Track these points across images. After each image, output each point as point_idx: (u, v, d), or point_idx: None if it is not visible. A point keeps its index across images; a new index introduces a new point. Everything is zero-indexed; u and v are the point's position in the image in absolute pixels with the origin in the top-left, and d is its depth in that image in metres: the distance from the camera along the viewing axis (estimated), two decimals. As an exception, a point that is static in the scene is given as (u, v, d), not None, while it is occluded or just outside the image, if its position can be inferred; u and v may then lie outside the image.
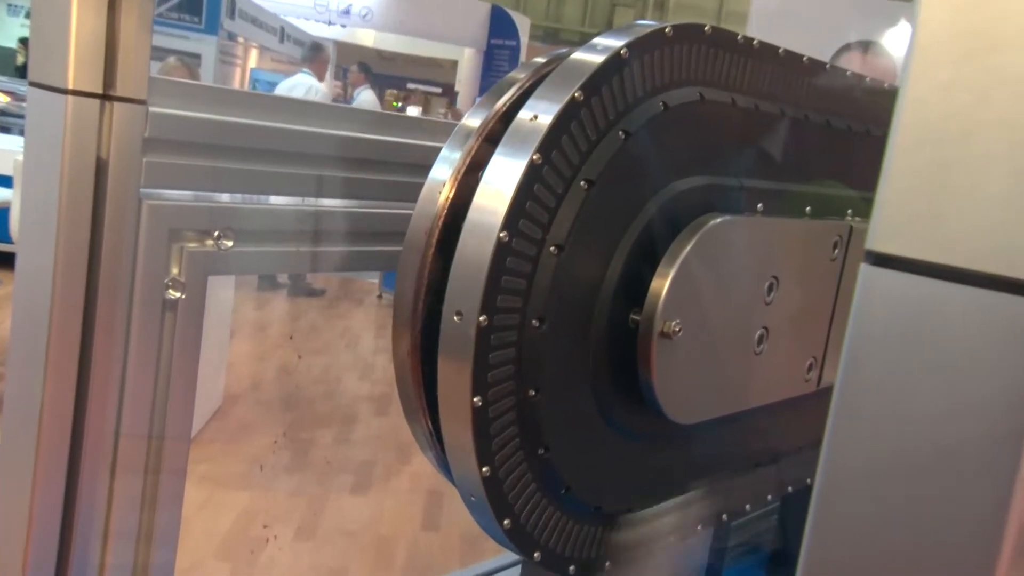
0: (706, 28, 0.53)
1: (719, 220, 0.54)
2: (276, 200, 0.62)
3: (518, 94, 0.58)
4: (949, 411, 0.28)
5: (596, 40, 0.52)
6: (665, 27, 0.51)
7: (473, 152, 0.54)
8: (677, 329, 0.51)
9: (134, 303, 0.51)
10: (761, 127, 0.59)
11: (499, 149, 0.48)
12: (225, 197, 0.59)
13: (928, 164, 0.29)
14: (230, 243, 0.57)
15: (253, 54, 6.36)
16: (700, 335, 0.54)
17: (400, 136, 0.71)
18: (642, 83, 0.50)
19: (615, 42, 0.50)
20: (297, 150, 0.62)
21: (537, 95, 0.49)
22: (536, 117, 0.47)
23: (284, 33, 6.60)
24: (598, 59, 0.49)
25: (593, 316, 0.51)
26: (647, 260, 0.52)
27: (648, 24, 0.52)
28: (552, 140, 0.47)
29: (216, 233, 0.56)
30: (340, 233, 0.66)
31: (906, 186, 0.29)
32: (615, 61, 0.49)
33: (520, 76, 0.61)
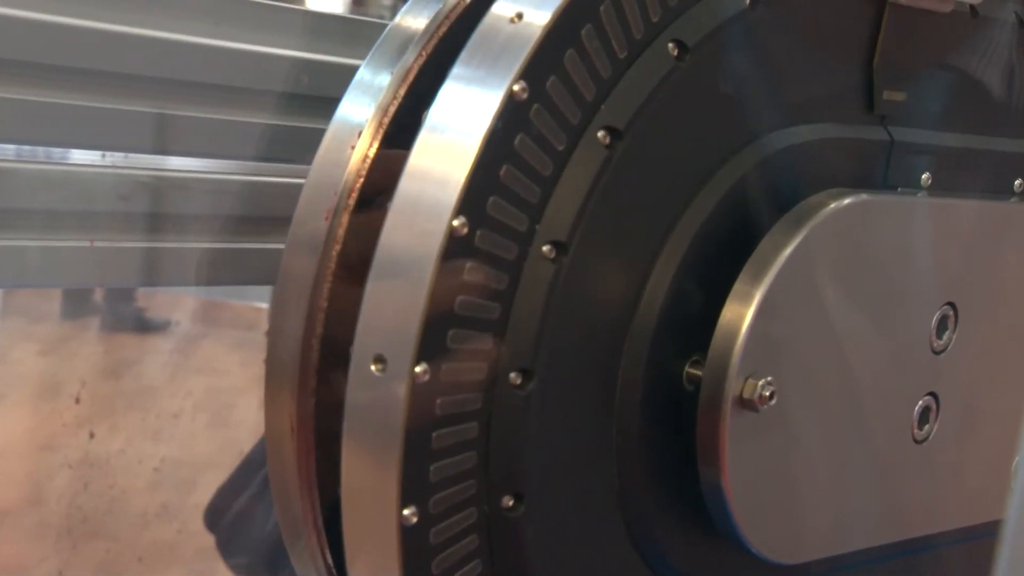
0: None
1: (848, 201, 0.56)
2: (58, 155, 0.64)
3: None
4: None
5: None
6: None
7: (412, 76, 0.56)
8: (768, 393, 0.54)
9: None
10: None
11: (455, 71, 0.51)
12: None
13: None
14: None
15: None
16: (809, 405, 0.56)
17: (284, 44, 0.74)
18: (711, -41, 0.53)
19: None
20: (92, 65, 0.64)
21: (524, -22, 0.52)
22: (521, 16, 0.50)
23: None
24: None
25: (619, 368, 0.53)
26: (714, 271, 0.54)
27: None
28: (548, 59, 0.49)
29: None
30: (176, 218, 0.69)
31: None
32: (662, -80, 0.52)
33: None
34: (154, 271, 0.71)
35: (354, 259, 0.55)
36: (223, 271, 0.71)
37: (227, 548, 1.18)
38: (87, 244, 0.64)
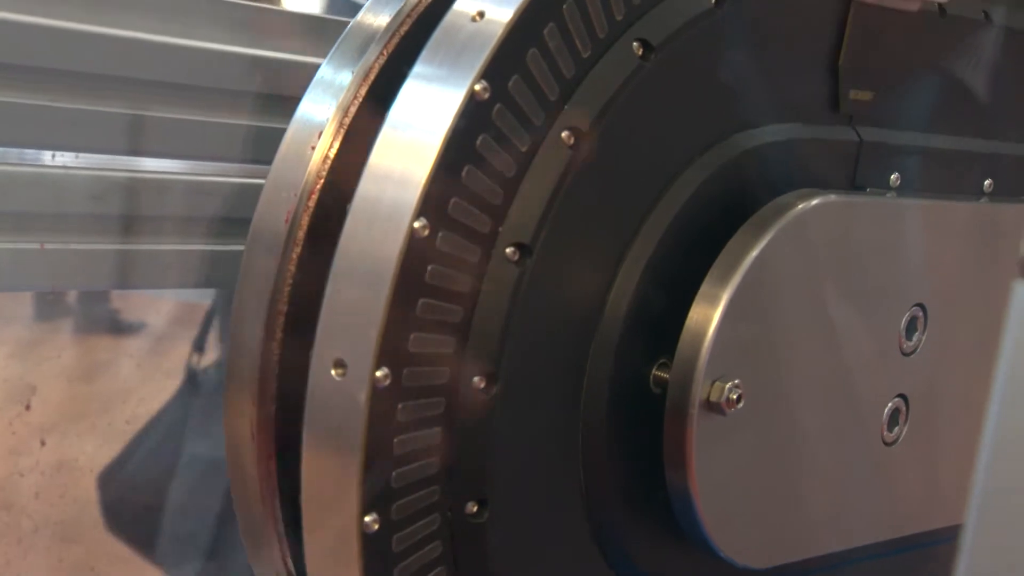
0: None
1: (815, 202, 0.56)
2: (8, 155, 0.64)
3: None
4: None
5: None
6: None
7: (373, 75, 0.56)
8: (735, 396, 0.54)
9: None
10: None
11: (416, 69, 0.50)
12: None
13: None
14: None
15: None
16: (777, 408, 0.56)
17: (246, 43, 0.73)
18: (675, -43, 0.53)
19: None
20: (44, 63, 0.64)
21: (487, -24, 0.51)
22: (483, 14, 0.50)
23: None
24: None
25: (585, 372, 0.53)
26: (682, 273, 0.54)
27: None
28: (510, 58, 0.49)
29: None
30: (135, 220, 0.68)
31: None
32: (626, -83, 0.52)
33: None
34: (101, 273, 0.70)
35: (315, 261, 0.54)
36: (177, 274, 0.71)
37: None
38: (37, 247, 0.64)
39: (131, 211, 0.70)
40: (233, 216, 0.73)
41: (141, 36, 0.70)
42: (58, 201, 0.67)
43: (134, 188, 0.70)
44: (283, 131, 0.60)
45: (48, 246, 0.64)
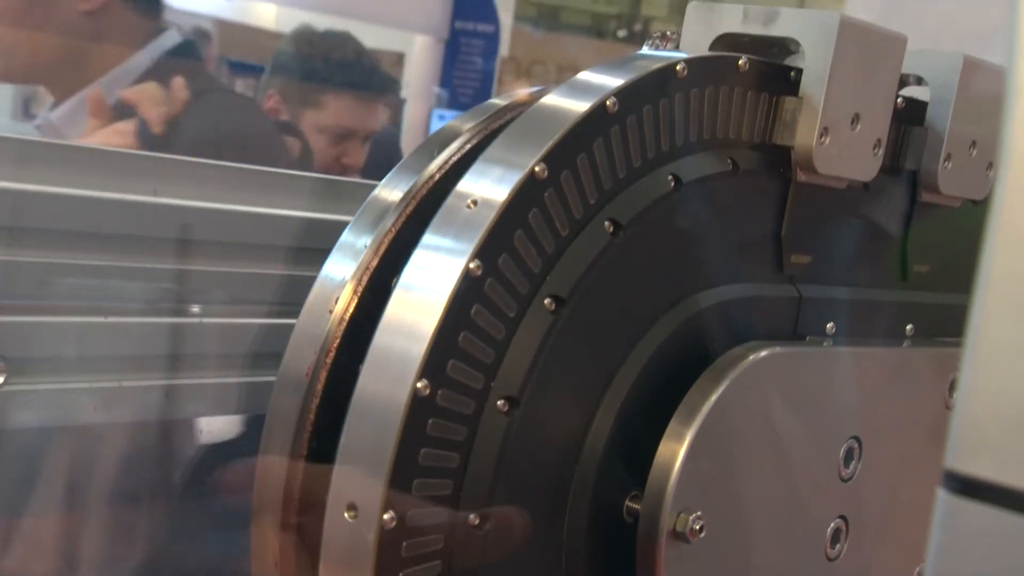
0: (740, 62, 0.56)
1: (764, 353, 0.55)
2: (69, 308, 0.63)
3: (462, 153, 0.60)
4: None
5: (574, 81, 0.54)
6: (676, 63, 0.54)
7: (383, 249, 0.55)
8: (698, 527, 0.52)
9: None
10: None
11: (422, 244, 0.49)
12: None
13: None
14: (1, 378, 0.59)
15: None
16: (735, 534, 0.54)
17: (282, 205, 0.73)
18: (640, 148, 0.52)
19: (598, 85, 0.52)
20: (105, 229, 0.64)
21: (480, 166, 0.51)
22: (475, 203, 0.49)
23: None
24: (572, 112, 0.51)
25: (567, 507, 0.52)
26: (650, 417, 0.53)
27: (651, 58, 0.54)
28: (499, 239, 0.48)
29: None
30: (181, 358, 0.68)
31: (1013, 358, 0.27)
32: (598, 116, 0.51)
33: (468, 125, 0.63)
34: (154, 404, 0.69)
35: (333, 410, 0.53)
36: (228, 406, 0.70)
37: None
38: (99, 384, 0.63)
39: (178, 350, 0.70)
40: (266, 351, 0.73)
41: (189, 204, 0.70)
42: (114, 345, 0.66)
43: (182, 331, 0.70)
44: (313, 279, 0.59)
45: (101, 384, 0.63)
